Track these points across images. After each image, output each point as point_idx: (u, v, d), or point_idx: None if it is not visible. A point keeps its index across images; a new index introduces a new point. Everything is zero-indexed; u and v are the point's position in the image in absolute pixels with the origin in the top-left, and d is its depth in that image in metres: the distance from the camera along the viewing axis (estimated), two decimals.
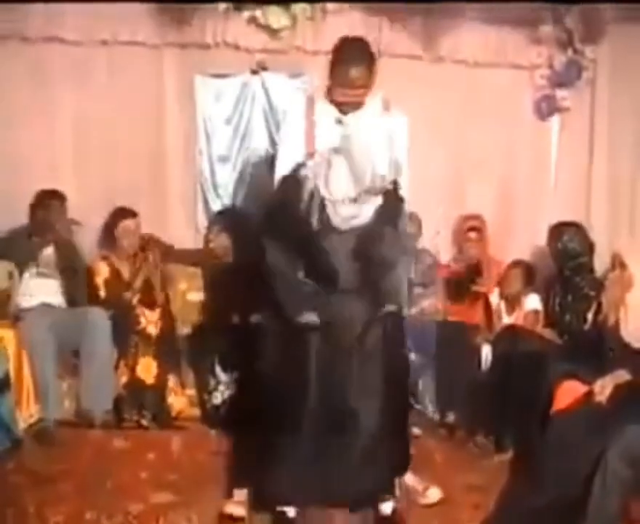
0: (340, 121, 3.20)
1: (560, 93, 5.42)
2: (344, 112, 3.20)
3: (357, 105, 3.18)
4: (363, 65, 3.09)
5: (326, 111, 3.21)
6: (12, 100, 5.12)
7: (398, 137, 3.28)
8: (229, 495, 3.56)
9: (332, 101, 3.21)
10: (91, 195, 5.20)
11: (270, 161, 4.81)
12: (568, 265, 4.55)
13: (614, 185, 5.52)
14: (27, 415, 4.18)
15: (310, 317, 3.16)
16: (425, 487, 3.68)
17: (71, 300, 4.74)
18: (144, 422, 4.54)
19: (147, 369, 4.60)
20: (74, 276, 4.78)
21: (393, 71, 5.08)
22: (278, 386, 3.27)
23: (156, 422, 4.56)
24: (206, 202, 5.54)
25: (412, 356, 4.51)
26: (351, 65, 3.07)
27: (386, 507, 3.40)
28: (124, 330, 4.68)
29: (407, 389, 3.83)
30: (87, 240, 5.10)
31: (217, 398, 4.59)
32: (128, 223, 4.90)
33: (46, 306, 4.66)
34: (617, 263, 4.15)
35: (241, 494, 3.55)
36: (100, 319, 4.60)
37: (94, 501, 3.56)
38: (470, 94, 5.47)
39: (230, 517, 3.42)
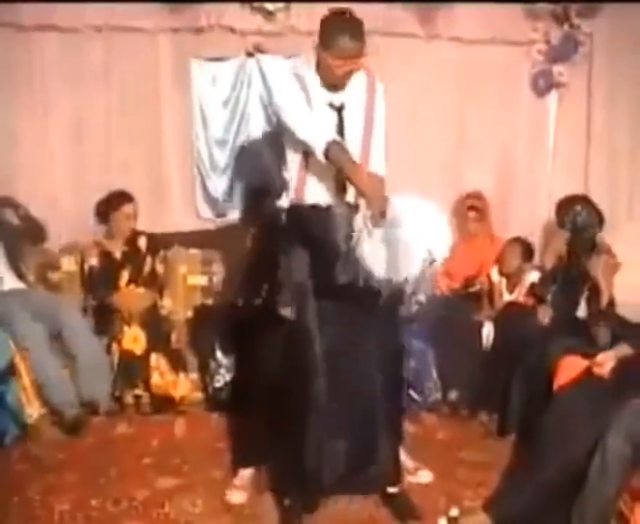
0: (331, 105, 3.22)
1: (557, 68, 5.40)
2: (332, 88, 3.20)
3: (348, 77, 3.17)
4: (354, 34, 3.07)
5: (317, 93, 3.20)
6: (7, 88, 5.10)
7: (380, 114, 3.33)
8: (232, 475, 3.61)
9: (321, 76, 3.20)
10: (87, 181, 5.19)
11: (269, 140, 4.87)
12: (582, 239, 4.49)
13: (613, 160, 5.50)
14: (33, 409, 4.20)
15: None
16: (416, 467, 3.73)
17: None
18: (138, 391, 4.55)
19: (134, 339, 4.58)
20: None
21: (389, 50, 5.08)
22: (280, 368, 3.28)
23: (150, 397, 4.57)
24: (205, 187, 5.53)
25: (414, 341, 4.54)
26: (344, 35, 3.05)
27: (392, 486, 3.45)
28: (111, 310, 4.71)
29: (402, 366, 3.83)
30: (84, 225, 5.08)
31: (219, 381, 4.59)
32: (127, 208, 4.89)
33: (18, 292, 4.64)
34: (606, 249, 4.21)
35: (243, 477, 3.59)
36: (72, 308, 4.62)
37: (99, 488, 3.59)
38: (467, 71, 5.45)
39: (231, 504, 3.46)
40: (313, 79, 3.21)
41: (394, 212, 2.95)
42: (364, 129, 3.28)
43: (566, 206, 4.54)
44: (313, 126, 3.07)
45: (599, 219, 4.46)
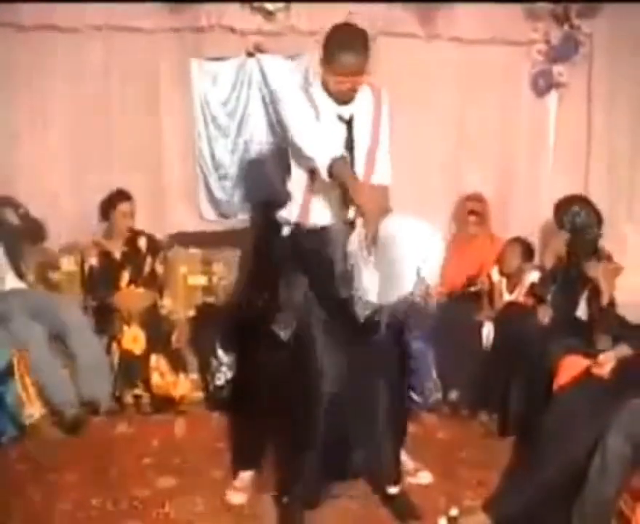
0: (341, 117, 3.22)
1: (557, 68, 5.39)
2: (339, 101, 3.20)
3: (352, 92, 3.17)
4: (356, 51, 3.06)
5: (326, 106, 3.19)
6: (9, 89, 5.09)
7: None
8: (233, 477, 3.62)
9: (327, 90, 3.19)
10: (88, 181, 5.19)
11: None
12: (581, 239, 4.48)
13: (613, 160, 5.48)
14: (35, 408, 4.20)
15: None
16: (416, 468, 3.74)
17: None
18: (138, 391, 4.55)
19: (134, 339, 4.58)
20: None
21: (389, 50, 5.08)
22: (282, 368, 3.29)
23: (150, 397, 4.57)
24: (207, 188, 5.54)
25: (414, 342, 4.53)
26: (345, 51, 3.04)
27: (393, 487, 3.45)
28: (111, 310, 4.71)
29: (405, 369, 3.83)
30: (84, 225, 5.08)
31: (220, 379, 4.59)
32: (124, 206, 4.89)
33: (18, 292, 4.66)
34: (605, 255, 4.21)
35: (243, 479, 3.60)
36: (73, 308, 4.63)
37: (99, 488, 3.59)
38: (467, 72, 5.44)
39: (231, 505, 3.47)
40: (321, 93, 3.20)
41: (387, 232, 2.94)
42: (370, 143, 3.29)
43: (564, 207, 4.53)
44: (319, 143, 3.05)
45: (598, 219, 4.45)
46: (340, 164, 2.99)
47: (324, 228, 3.22)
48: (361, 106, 3.26)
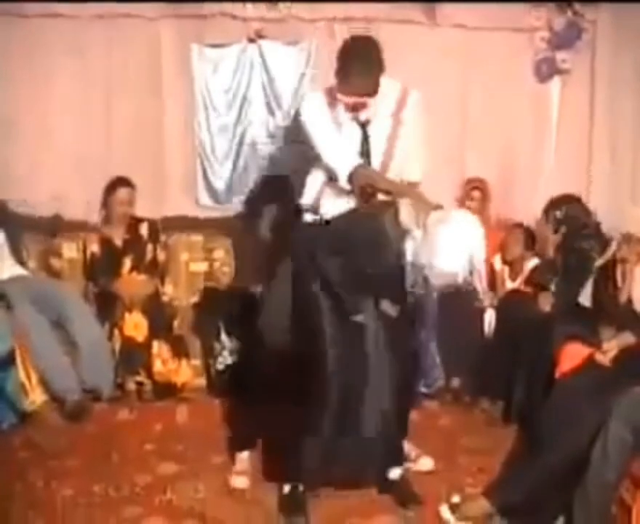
0: (356, 120, 3.19)
1: (560, 55, 5.38)
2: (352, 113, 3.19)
3: (362, 107, 3.15)
4: (369, 75, 3.07)
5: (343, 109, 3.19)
6: (9, 75, 5.08)
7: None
8: (232, 461, 3.65)
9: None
10: (88, 169, 5.18)
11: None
12: (570, 231, 4.47)
13: (616, 147, 5.48)
14: (36, 395, 4.20)
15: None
16: (418, 454, 3.74)
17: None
18: (139, 378, 4.54)
19: (135, 326, 4.57)
20: None
21: (392, 37, 5.06)
22: (287, 354, 3.30)
23: (152, 384, 4.57)
24: (206, 175, 5.53)
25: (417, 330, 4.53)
26: (353, 73, 3.05)
27: (394, 473, 3.46)
28: (113, 297, 4.69)
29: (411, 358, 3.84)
30: (85, 212, 5.09)
31: (222, 363, 4.59)
32: (121, 193, 4.89)
33: (20, 279, 4.65)
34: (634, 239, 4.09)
35: (243, 462, 3.62)
36: (74, 295, 4.64)
37: (101, 474, 3.60)
38: (470, 59, 5.43)
39: (235, 489, 3.49)
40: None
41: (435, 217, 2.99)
42: (386, 146, 3.25)
43: (552, 209, 4.53)
44: (341, 155, 3.10)
45: (586, 214, 4.46)
46: (361, 170, 3.05)
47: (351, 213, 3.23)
48: (381, 105, 3.20)
